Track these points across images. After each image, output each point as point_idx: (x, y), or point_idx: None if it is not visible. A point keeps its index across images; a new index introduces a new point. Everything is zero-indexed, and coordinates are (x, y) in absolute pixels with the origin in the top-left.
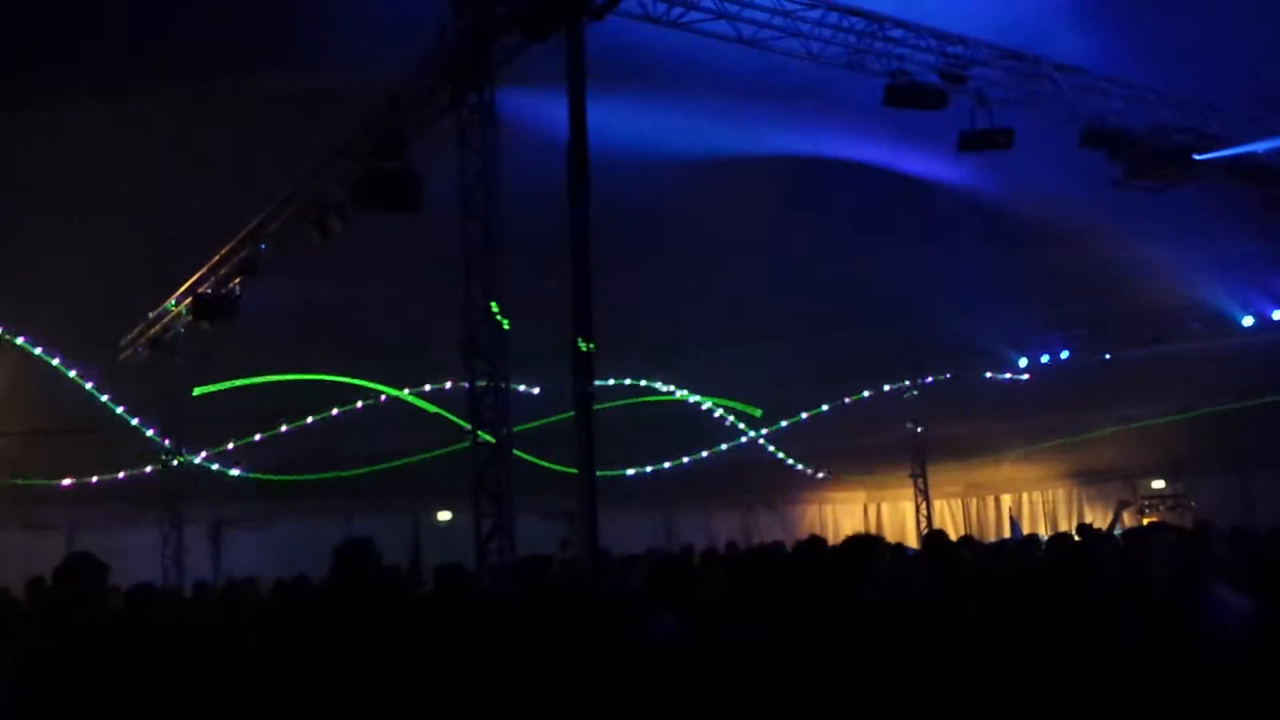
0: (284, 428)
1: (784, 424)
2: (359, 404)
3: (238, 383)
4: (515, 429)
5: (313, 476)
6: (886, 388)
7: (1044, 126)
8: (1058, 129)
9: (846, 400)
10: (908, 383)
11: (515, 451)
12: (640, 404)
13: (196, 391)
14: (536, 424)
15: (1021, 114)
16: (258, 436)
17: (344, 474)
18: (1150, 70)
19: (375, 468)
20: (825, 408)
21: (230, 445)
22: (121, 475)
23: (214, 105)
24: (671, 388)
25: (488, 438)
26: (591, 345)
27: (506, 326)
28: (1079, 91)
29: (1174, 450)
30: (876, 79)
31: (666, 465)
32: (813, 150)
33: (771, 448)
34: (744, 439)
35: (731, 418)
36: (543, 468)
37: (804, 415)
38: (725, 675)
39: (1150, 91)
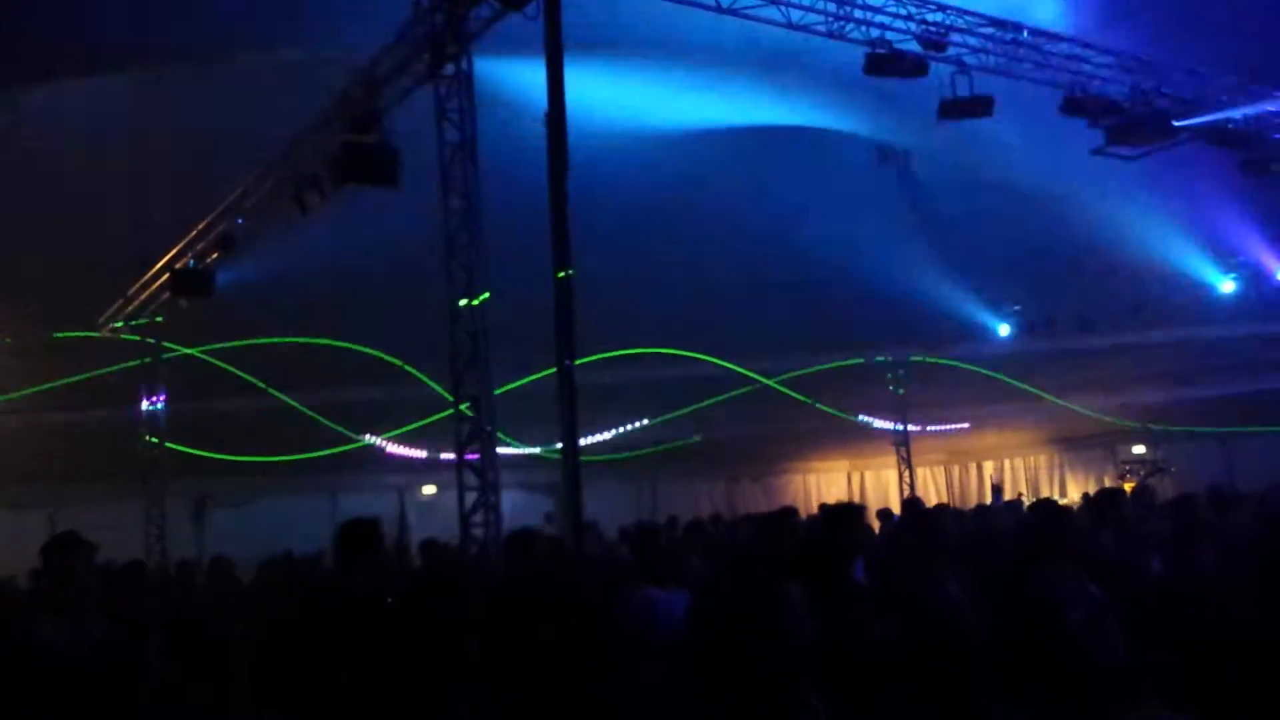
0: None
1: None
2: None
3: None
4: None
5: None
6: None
7: (1025, 94)
8: (1038, 96)
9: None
10: (890, 359)
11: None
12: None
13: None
14: (515, 384)
15: (1002, 82)
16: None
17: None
18: (1130, 37)
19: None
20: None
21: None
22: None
23: (193, 80)
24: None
25: (468, 411)
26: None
27: (486, 297)
28: (1059, 59)
29: (1153, 415)
30: (857, 47)
31: (646, 421)
32: (793, 119)
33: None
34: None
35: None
36: (527, 438)
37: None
38: (717, 650)
39: (1131, 58)
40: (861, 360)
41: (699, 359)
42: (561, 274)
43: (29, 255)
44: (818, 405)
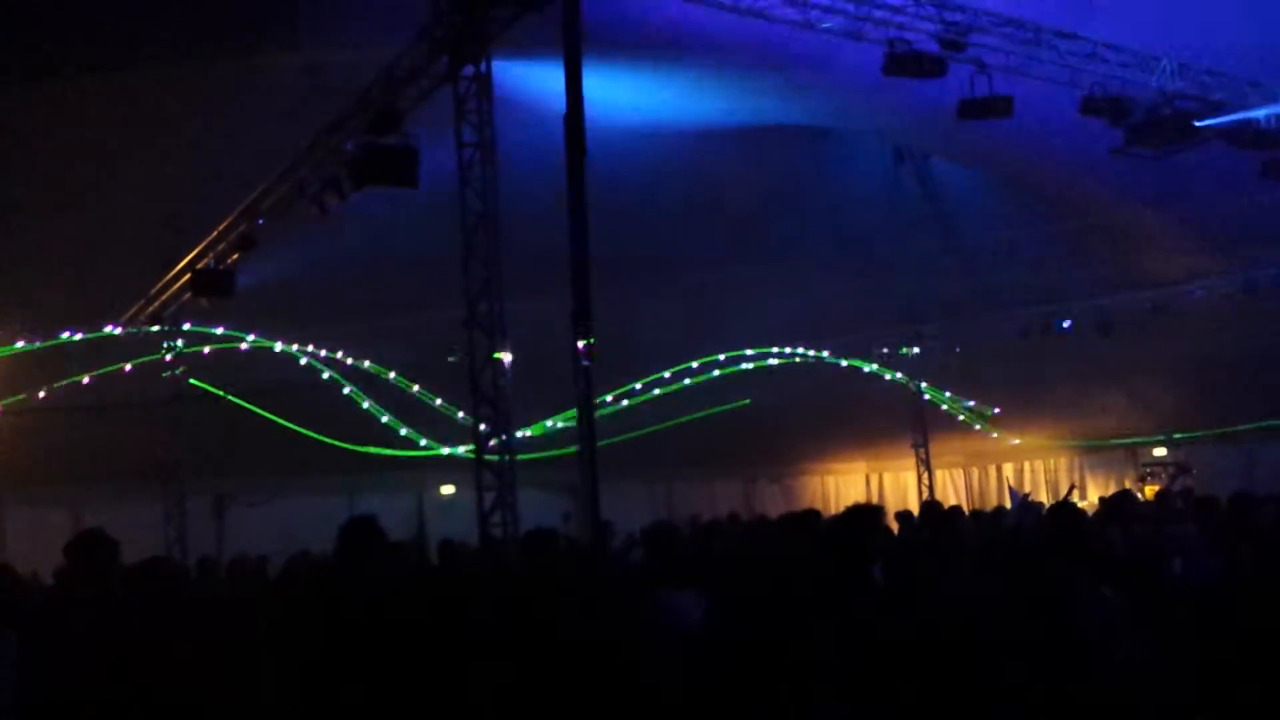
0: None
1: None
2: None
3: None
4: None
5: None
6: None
7: (1044, 94)
8: (1058, 96)
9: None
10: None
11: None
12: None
13: None
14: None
15: (1021, 81)
16: None
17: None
18: (1151, 37)
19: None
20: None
21: None
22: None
23: (215, 82)
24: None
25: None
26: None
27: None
28: (1079, 58)
29: (1175, 418)
30: (875, 47)
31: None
32: (812, 119)
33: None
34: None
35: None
36: (544, 439)
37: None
38: (733, 651)
39: (1151, 58)
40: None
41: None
42: (578, 273)
43: (50, 255)
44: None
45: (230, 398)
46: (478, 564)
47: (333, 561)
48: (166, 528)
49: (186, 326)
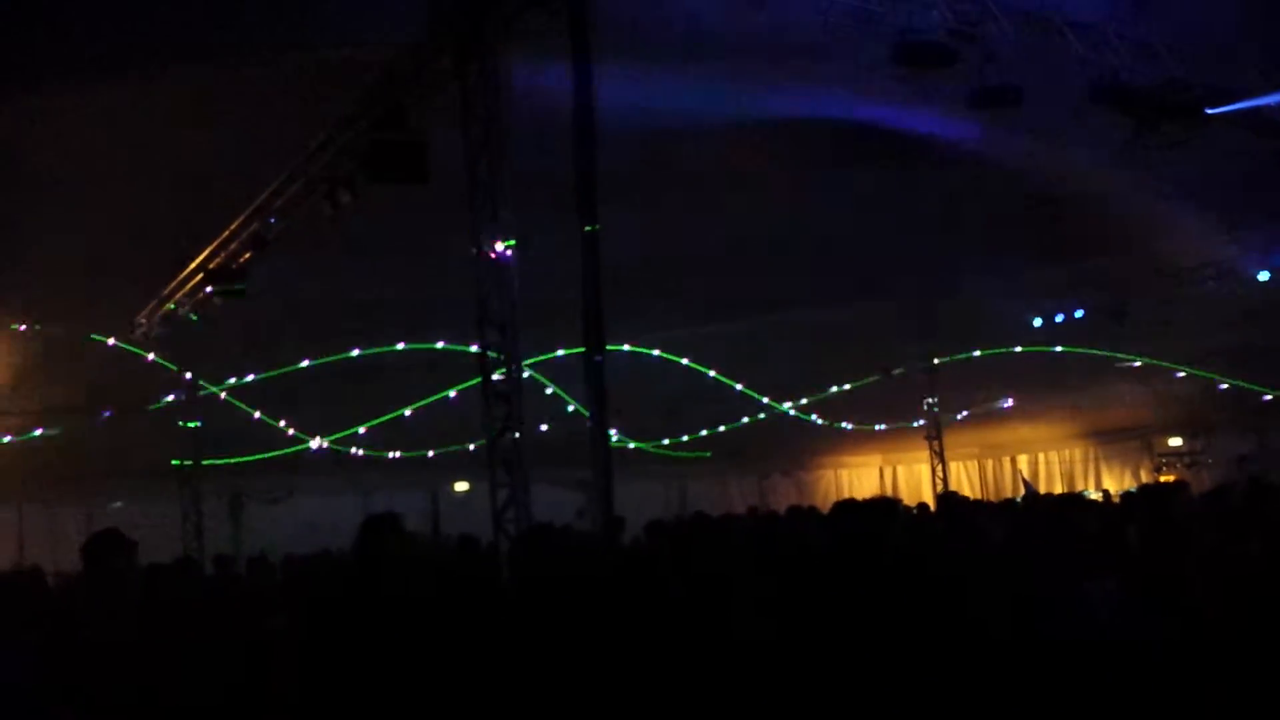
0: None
1: (803, 401)
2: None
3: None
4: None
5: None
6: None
7: (1054, 83)
8: (1068, 85)
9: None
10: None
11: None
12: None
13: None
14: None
15: (1031, 71)
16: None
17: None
18: (1161, 25)
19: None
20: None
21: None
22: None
23: (224, 82)
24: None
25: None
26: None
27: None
28: (1089, 48)
29: (1191, 408)
30: (885, 38)
31: (685, 438)
32: (820, 112)
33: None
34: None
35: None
36: (557, 435)
37: (835, 389)
38: (737, 643)
39: (1161, 46)
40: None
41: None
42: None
43: (65, 256)
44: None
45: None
46: (488, 559)
47: (352, 558)
48: (184, 526)
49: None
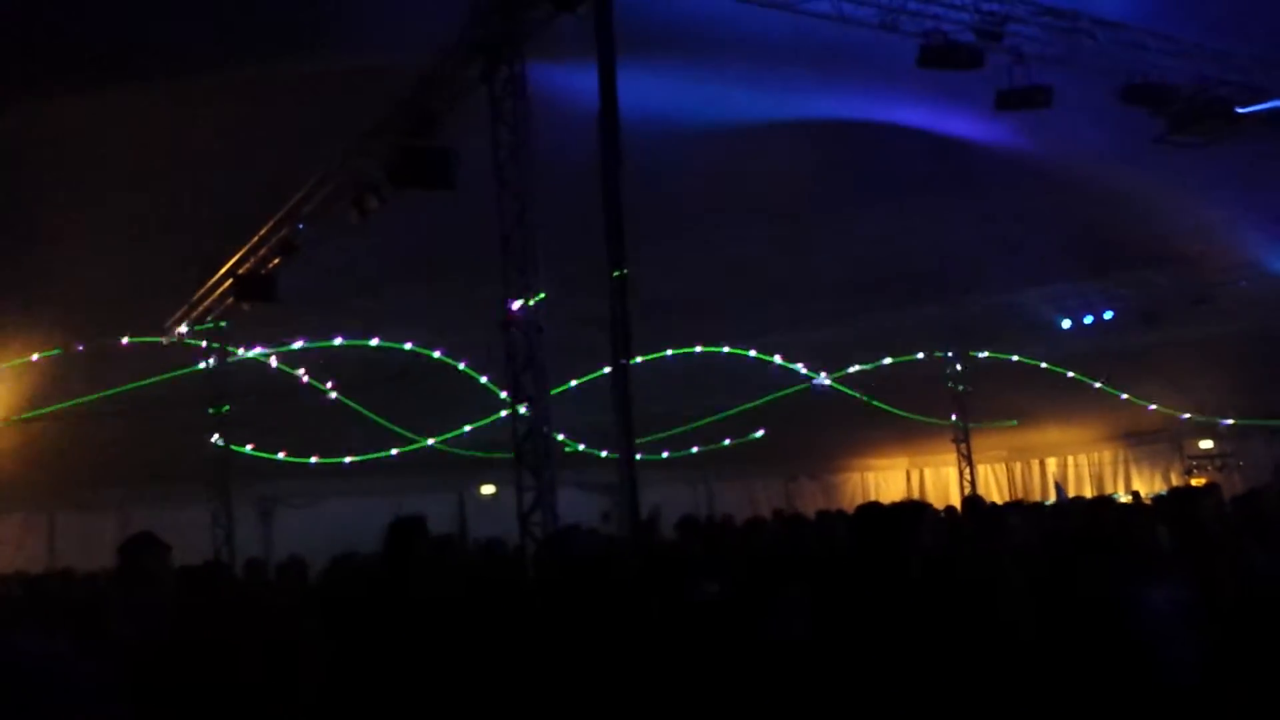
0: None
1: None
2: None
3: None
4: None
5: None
6: (921, 355)
7: (1084, 83)
8: (1098, 85)
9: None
10: (950, 354)
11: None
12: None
13: None
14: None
15: (1060, 71)
16: None
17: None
18: (1192, 23)
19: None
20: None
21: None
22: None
23: (252, 87)
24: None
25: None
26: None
27: (542, 296)
28: (1119, 47)
29: (1221, 410)
30: (911, 39)
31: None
32: (847, 114)
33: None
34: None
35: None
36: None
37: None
38: (766, 642)
39: (1192, 45)
40: (920, 356)
41: (756, 358)
42: (616, 273)
43: (96, 261)
44: (873, 402)
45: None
46: (515, 562)
47: (381, 561)
48: (215, 530)
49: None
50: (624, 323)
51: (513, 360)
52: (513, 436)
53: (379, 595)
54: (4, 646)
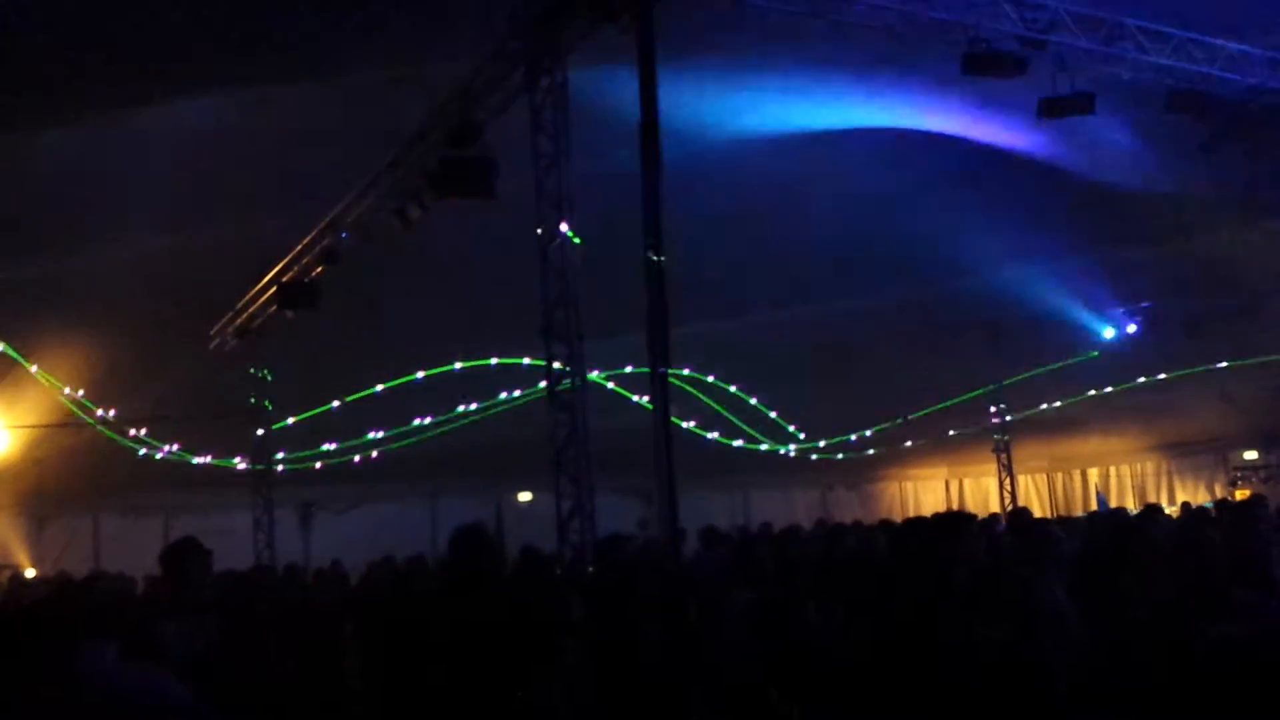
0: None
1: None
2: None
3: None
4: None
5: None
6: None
7: (1127, 91)
8: (1142, 93)
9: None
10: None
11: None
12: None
13: None
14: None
15: (1104, 78)
16: None
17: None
18: (1236, 30)
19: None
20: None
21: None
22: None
23: (296, 98)
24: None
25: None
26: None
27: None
28: (1163, 54)
29: (1267, 420)
30: (955, 47)
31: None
32: (892, 122)
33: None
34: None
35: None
36: (621, 448)
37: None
38: (799, 653)
39: (1236, 52)
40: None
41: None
42: (655, 282)
43: (139, 270)
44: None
45: None
46: (555, 567)
47: (446, 568)
48: (255, 535)
49: None
50: (663, 331)
51: (551, 365)
52: (552, 440)
53: (435, 603)
54: (107, 674)
